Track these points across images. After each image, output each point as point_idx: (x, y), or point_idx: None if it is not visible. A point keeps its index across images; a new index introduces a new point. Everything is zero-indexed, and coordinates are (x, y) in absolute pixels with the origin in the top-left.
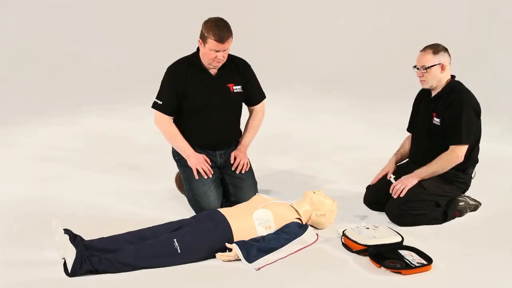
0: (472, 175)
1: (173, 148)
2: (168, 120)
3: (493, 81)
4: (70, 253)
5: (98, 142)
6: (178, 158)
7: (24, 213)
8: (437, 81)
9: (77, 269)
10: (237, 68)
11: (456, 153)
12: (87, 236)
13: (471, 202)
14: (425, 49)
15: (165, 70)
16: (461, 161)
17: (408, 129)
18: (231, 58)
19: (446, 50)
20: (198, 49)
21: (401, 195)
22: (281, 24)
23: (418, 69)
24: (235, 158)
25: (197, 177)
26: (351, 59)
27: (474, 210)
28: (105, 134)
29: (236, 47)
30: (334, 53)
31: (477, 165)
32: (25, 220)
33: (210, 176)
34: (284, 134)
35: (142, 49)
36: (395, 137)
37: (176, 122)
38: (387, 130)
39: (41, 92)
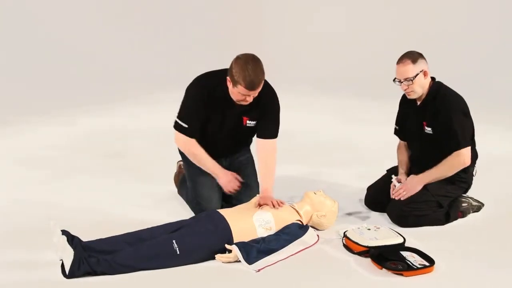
0: (474, 173)
1: None
2: (193, 142)
3: (494, 81)
4: (68, 255)
5: (97, 142)
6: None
7: (22, 213)
8: (423, 88)
9: (75, 271)
10: (259, 100)
11: (460, 157)
12: (85, 237)
13: (474, 203)
14: (402, 60)
15: (165, 70)
16: (468, 163)
17: (396, 133)
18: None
19: (421, 55)
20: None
21: (401, 199)
22: (281, 24)
23: (401, 82)
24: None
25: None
26: (352, 59)
27: (477, 211)
28: (104, 134)
29: (236, 46)
30: (334, 53)
31: (480, 166)
32: (23, 221)
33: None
34: (284, 134)
35: (142, 48)
36: (396, 137)
37: None
38: (389, 130)
39: (39, 92)
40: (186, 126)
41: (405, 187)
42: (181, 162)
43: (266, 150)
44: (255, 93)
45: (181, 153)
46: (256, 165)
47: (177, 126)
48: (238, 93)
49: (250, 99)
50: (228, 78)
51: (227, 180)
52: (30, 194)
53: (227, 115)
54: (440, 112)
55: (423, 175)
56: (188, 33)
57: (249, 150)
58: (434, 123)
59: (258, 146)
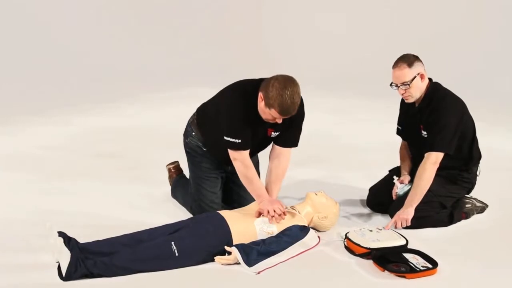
0: (477, 173)
1: (185, 138)
2: (248, 159)
3: (498, 80)
4: (64, 257)
5: (93, 142)
6: (190, 151)
7: (17, 215)
8: (420, 91)
9: (72, 273)
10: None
11: (430, 159)
12: (82, 239)
13: (478, 204)
14: (398, 64)
15: (163, 70)
16: (437, 167)
17: (398, 133)
18: None
19: (417, 58)
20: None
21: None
22: (281, 23)
23: (398, 86)
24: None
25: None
26: (354, 58)
27: (481, 212)
28: (100, 134)
29: (236, 46)
30: (336, 52)
31: (483, 166)
32: (18, 223)
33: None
34: None
35: (140, 47)
36: (398, 138)
37: (203, 125)
38: (391, 130)
39: (35, 91)
40: (238, 141)
41: (400, 219)
42: (170, 166)
43: (283, 157)
44: (288, 117)
45: (187, 153)
46: (263, 169)
47: (229, 145)
48: (270, 114)
49: (279, 121)
50: (261, 95)
51: (271, 201)
52: (25, 195)
53: (257, 128)
54: (432, 114)
55: (407, 202)
56: (186, 32)
57: (257, 156)
58: (429, 126)
59: (275, 152)
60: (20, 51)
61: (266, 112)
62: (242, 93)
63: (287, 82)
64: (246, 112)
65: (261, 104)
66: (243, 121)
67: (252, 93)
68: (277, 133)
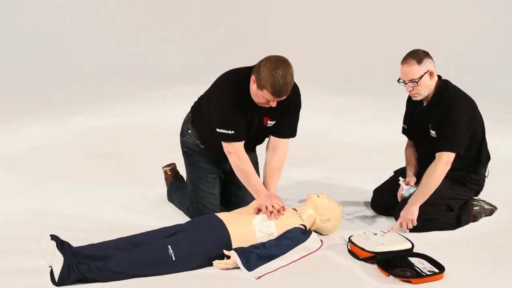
0: (486, 174)
1: (181, 137)
2: (242, 151)
3: (506, 79)
4: (57, 261)
5: (87, 142)
6: (187, 150)
7: (8, 218)
8: (429, 89)
9: (65, 278)
10: (284, 101)
11: (442, 160)
12: (75, 243)
13: (486, 206)
14: (407, 60)
15: (160, 68)
16: (447, 169)
17: (404, 132)
18: None
19: (427, 54)
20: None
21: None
22: (283, 22)
23: (405, 83)
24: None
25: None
26: (355, 56)
27: (490, 215)
28: (95, 134)
29: (237, 45)
30: (336, 50)
31: (493, 168)
32: (9, 226)
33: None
34: None
35: (136, 45)
36: (403, 138)
37: (198, 121)
38: (395, 129)
39: (27, 89)
40: (231, 132)
41: (406, 219)
42: (167, 168)
43: (279, 149)
44: (281, 99)
45: (184, 153)
46: (261, 163)
47: (223, 137)
48: (263, 97)
49: (273, 104)
50: (253, 77)
51: (269, 196)
52: (16, 198)
53: (251, 117)
54: (443, 112)
55: (411, 201)
56: (185, 31)
57: (255, 152)
58: (439, 125)
59: (271, 144)
60: (13, 49)
61: (259, 94)
62: (232, 82)
63: (279, 62)
64: (238, 101)
65: (253, 87)
66: (235, 111)
67: (243, 80)
68: (274, 122)
